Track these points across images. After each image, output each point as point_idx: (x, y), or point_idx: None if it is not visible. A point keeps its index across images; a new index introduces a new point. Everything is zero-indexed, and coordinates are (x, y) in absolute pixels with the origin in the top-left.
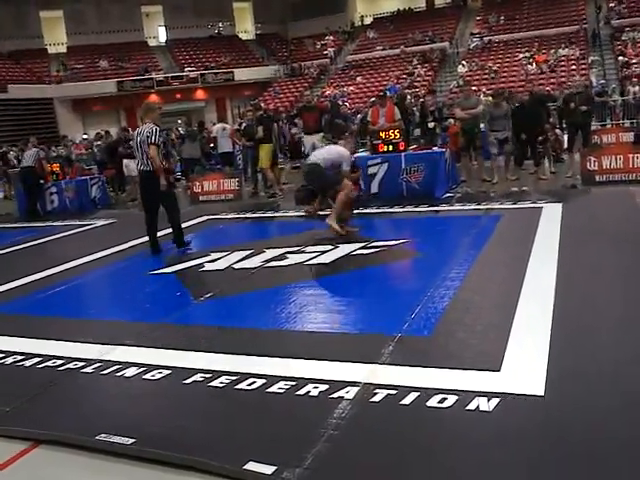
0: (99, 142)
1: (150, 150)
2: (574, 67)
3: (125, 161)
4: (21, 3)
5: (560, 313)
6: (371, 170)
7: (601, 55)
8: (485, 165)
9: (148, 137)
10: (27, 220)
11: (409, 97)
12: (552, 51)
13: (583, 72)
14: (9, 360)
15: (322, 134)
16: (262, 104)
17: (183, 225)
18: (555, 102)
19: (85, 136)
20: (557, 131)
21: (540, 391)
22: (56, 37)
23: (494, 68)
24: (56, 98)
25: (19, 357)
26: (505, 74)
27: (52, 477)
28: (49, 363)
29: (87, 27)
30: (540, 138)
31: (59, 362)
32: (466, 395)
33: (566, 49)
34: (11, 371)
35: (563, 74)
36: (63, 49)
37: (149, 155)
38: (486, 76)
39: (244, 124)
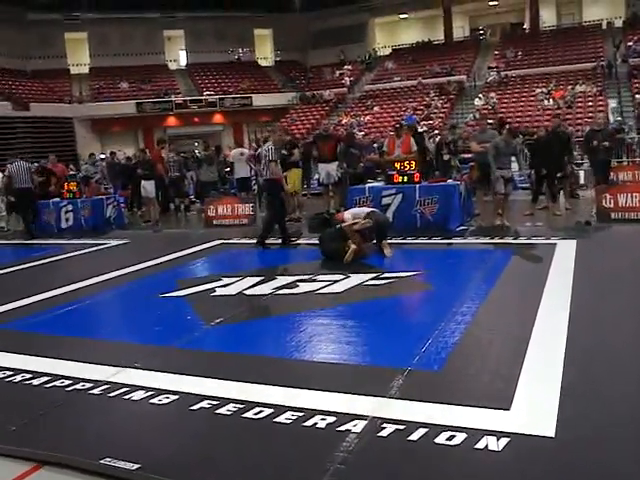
0: (125, 161)
1: (271, 166)
2: (591, 103)
3: (143, 182)
4: (47, 24)
5: (572, 352)
6: (385, 200)
7: (618, 92)
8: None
9: (266, 155)
10: (27, 239)
11: (426, 128)
12: (569, 87)
13: (600, 109)
14: (17, 378)
15: (337, 163)
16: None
17: (197, 248)
18: (569, 139)
19: (102, 156)
20: (573, 167)
21: (551, 432)
22: (79, 58)
23: (494, 100)
24: (76, 118)
25: (27, 375)
26: (522, 109)
27: None
28: (57, 383)
29: (110, 49)
30: (559, 174)
31: (67, 382)
32: (475, 433)
33: (583, 85)
34: (19, 389)
35: (580, 111)
36: (85, 70)
37: (270, 169)
38: (503, 109)
39: (259, 150)
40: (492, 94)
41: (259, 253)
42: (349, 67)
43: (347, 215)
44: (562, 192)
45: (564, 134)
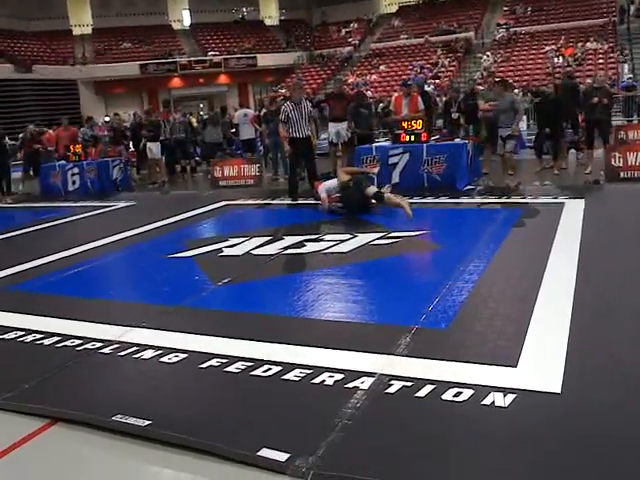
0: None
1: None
2: (602, 61)
3: (148, 144)
4: None
5: (579, 310)
6: (392, 160)
7: (630, 49)
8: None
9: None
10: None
11: (432, 87)
12: (579, 44)
13: (611, 66)
14: (29, 338)
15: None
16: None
17: (203, 209)
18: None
19: (107, 118)
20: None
21: (557, 388)
22: (81, 18)
23: (489, 60)
24: (80, 79)
25: (38, 335)
26: (531, 66)
27: (68, 455)
28: (68, 342)
29: (112, 9)
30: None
31: (77, 342)
32: (482, 390)
33: (594, 42)
34: (30, 349)
35: (590, 68)
36: (88, 30)
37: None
38: (512, 67)
39: (264, 111)
40: (488, 53)
41: (265, 213)
42: (356, 25)
43: (321, 188)
44: (571, 151)
45: (574, 87)
